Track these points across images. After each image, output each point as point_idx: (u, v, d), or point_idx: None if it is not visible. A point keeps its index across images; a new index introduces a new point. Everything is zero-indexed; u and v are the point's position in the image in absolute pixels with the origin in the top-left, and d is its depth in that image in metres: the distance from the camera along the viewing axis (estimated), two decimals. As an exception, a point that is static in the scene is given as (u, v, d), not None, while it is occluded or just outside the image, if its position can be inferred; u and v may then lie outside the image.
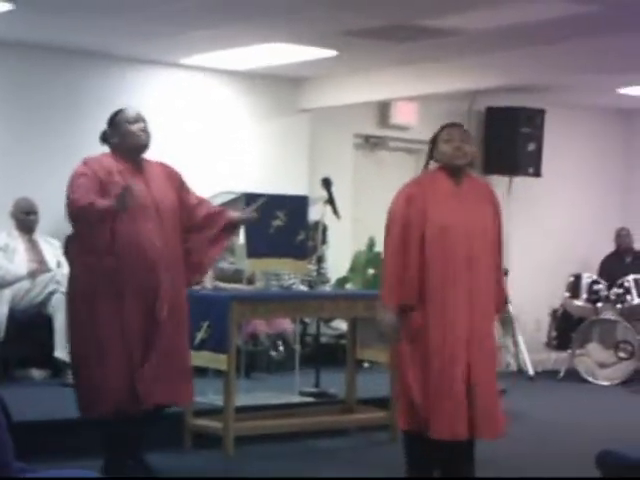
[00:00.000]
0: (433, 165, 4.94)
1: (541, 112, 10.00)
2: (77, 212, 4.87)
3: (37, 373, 7.20)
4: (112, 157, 5.04)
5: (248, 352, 7.47)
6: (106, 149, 5.14)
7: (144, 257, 4.90)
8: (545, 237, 10.48)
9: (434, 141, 4.94)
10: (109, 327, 4.88)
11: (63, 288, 7.02)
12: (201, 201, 5.29)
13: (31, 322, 7.15)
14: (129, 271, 4.89)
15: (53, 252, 7.53)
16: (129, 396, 4.90)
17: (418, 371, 4.74)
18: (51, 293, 7.13)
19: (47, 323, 7.06)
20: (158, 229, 4.96)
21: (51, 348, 6.99)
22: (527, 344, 9.77)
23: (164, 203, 5.02)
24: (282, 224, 6.35)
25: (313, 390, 7.00)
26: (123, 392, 4.89)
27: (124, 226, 4.89)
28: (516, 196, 10.05)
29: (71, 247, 5.09)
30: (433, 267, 4.73)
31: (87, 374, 4.95)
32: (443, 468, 4.91)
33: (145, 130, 5.05)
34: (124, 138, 5.02)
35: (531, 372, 9.58)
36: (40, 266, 7.33)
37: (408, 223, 4.78)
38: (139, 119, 5.06)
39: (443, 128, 4.95)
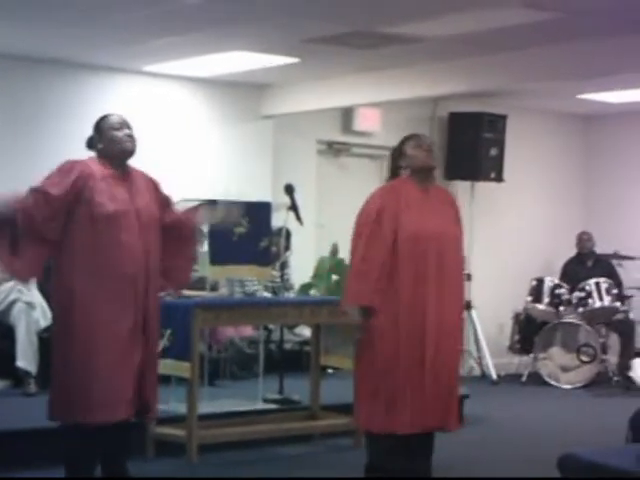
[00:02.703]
0: (404, 172, 5.14)
1: (503, 117, 10.06)
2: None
3: (-1, 383, 7.15)
4: (98, 162, 4.99)
5: (211, 359, 7.45)
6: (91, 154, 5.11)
7: (123, 270, 4.87)
8: (507, 242, 10.55)
9: (399, 151, 5.16)
10: (84, 337, 4.83)
11: (25, 297, 7.01)
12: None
13: (-8, 332, 7.10)
14: (107, 283, 4.84)
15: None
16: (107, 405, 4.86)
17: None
18: (13, 302, 7.05)
19: (8, 333, 7.00)
20: (139, 239, 4.91)
21: (12, 358, 6.93)
22: (490, 348, 9.82)
23: (146, 213, 4.97)
24: (245, 231, 6.35)
25: (277, 397, 7.00)
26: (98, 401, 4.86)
27: (104, 237, 4.85)
28: (478, 201, 10.11)
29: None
30: (405, 266, 4.95)
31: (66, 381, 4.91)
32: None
33: (131, 136, 5.02)
34: (110, 144, 4.98)
35: (494, 376, 9.63)
36: (1, 275, 7.27)
37: (380, 227, 4.98)
38: (124, 125, 5.03)
39: (408, 139, 5.19)
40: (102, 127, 5.04)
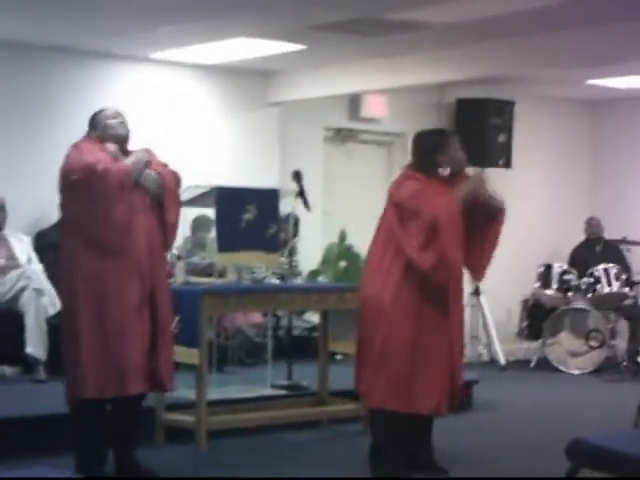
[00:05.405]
0: (444, 171, 5.25)
1: (511, 104, 10.04)
2: (91, 176, 4.90)
3: (8, 370, 7.16)
4: (99, 144, 5.12)
5: (220, 346, 7.46)
6: None
7: (129, 255, 4.95)
8: (516, 227, 10.45)
9: (443, 145, 5.25)
10: (87, 318, 4.92)
11: (34, 284, 7.02)
12: None
13: (1, 319, 7.10)
14: (110, 261, 4.93)
15: (23, 248, 7.48)
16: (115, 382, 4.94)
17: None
18: (21, 289, 7.07)
19: (18, 319, 7.01)
20: (142, 217, 5.02)
21: (22, 344, 6.95)
22: (498, 334, 9.81)
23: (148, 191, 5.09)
24: (253, 217, 6.34)
25: (285, 383, 7.01)
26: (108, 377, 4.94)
27: (104, 216, 4.95)
28: (486, 187, 10.07)
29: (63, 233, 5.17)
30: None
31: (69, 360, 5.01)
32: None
33: (124, 124, 5.22)
34: (105, 131, 5.16)
35: (503, 362, 9.63)
36: (10, 262, 7.29)
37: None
38: (117, 115, 5.23)
39: (449, 136, 5.38)
40: (97, 118, 5.23)
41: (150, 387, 5.12)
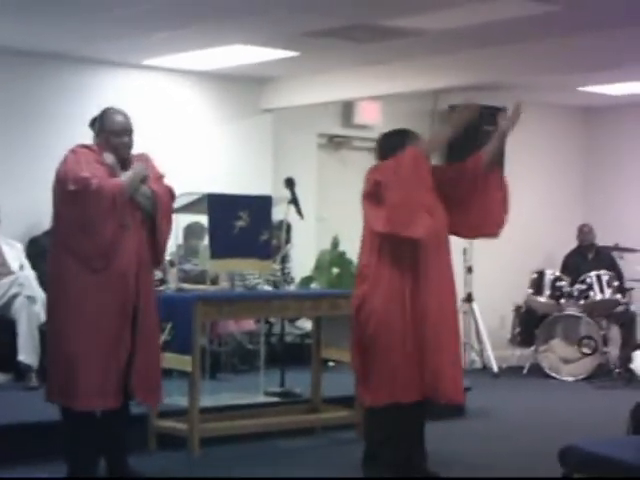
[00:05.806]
0: None
1: (503, 110, 10.02)
2: (85, 190, 4.86)
3: (0, 377, 7.14)
4: (98, 151, 5.07)
5: (213, 353, 7.46)
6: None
7: (115, 270, 4.93)
8: (508, 234, 10.43)
9: (402, 146, 5.25)
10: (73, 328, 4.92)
11: (26, 291, 7.01)
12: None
13: (-7, 326, 7.10)
14: (97, 274, 4.91)
15: (15, 254, 7.47)
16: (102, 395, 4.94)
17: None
18: (14, 296, 7.05)
19: (10, 327, 7.00)
20: (134, 236, 4.99)
21: (14, 352, 6.93)
22: (491, 341, 9.81)
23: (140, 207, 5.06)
24: (246, 224, 6.34)
25: (278, 390, 7.00)
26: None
27: (96, 230, 4.94)
28: (479, 194, 10.08)
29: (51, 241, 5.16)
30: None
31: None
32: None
33: (127, 145, 5.09)
34: (106, 146, 5.06)
35: (495, 369, 9.63)
36: (1, 269, 7.27)
37: None
38: (124, 132, 5.08)
39: (409, 136, 5.38)
40: (104, 124, 5.10)
41: (121, 401, 5.04)
